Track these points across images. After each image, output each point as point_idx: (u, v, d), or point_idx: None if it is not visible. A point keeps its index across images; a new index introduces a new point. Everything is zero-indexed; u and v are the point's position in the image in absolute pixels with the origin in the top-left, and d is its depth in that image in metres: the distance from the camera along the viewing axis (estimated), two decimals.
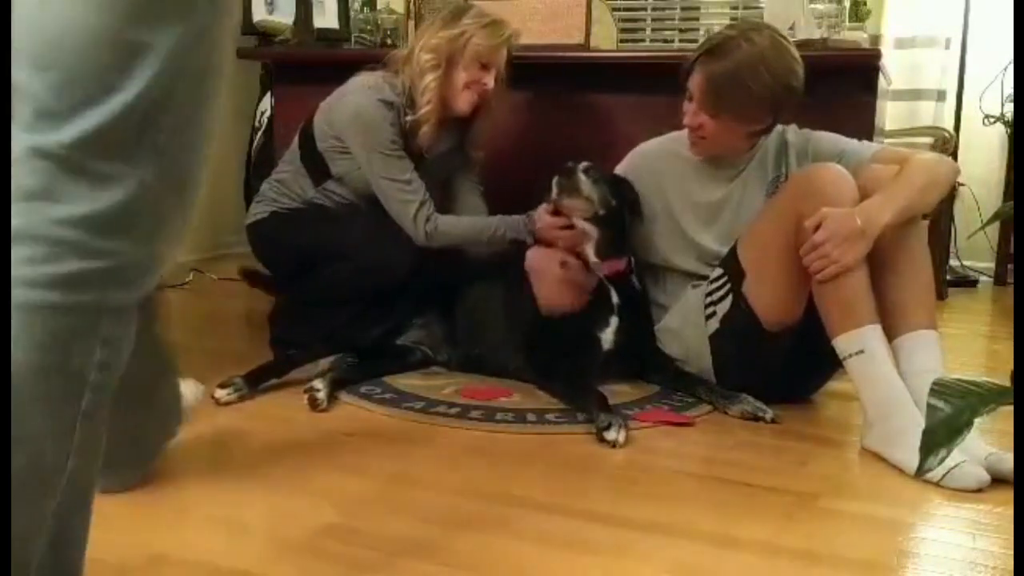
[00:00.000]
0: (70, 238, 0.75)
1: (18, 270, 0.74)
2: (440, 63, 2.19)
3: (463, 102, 2.25)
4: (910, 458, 1.52)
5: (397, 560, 1.23)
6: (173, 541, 1.27)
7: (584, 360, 2.07)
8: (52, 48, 0.76)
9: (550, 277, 2.11)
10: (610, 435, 1.70)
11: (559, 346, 2.08)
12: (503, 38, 2.23)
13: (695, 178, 2.13)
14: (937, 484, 1.52)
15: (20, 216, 0.74)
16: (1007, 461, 1.53)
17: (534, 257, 2.16)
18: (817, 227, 1.73)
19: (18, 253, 0.74)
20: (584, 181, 2.06)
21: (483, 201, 2.44)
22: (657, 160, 2.19)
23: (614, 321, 2.11)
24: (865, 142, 2.04)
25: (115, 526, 1.31)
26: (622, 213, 2.12)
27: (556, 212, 2.12)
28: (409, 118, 2.22)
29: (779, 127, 2.09)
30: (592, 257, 2.11)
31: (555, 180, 2.07)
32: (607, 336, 2.11)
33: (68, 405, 0.77)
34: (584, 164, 2.10)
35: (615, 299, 2.12)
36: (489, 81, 2.24)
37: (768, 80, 1.91)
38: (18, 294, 0.74)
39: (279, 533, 1.30)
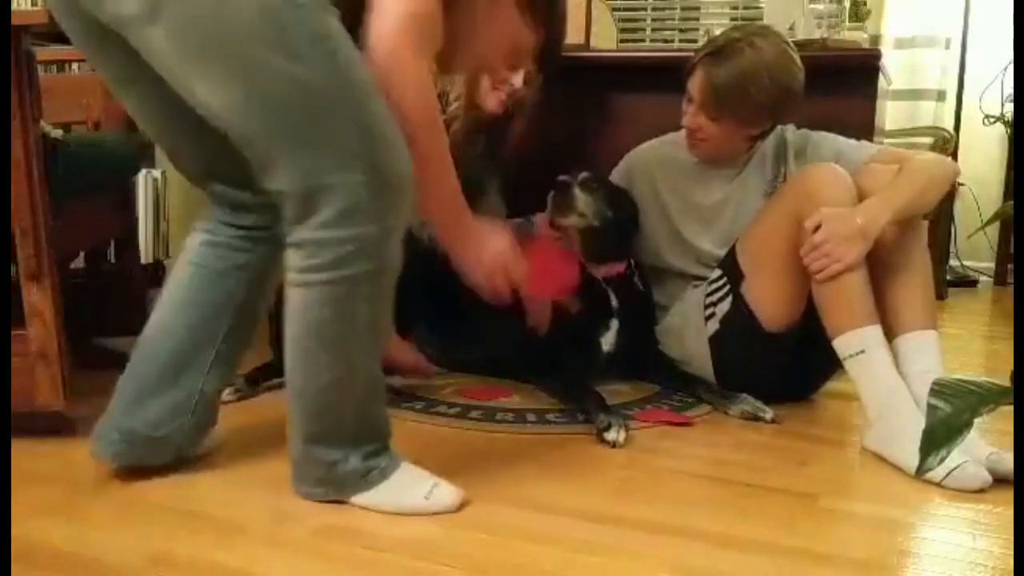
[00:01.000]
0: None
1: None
2: None
3: (492, 102, 2.23)
4: (910, 458, 1.52)
5: (397, 560, 1.23)
6: (173, 541, 1.27)
7: (584, 363, 2.07)
8: None
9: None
10: (610, 435, 1.70)
11: (559, 349, 2.08)
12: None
13: (694, 179, 2.13)
14: (939, 484, 1.52)
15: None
16: (1008, 461, 1.53)
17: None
18: (817, 227, 1.73)
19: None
20: (580, 197, 2.03)
21: (503, 203, 2.44)
22: (654, 162, 2.19)
23: (614, 324, 2.11)
24: (864, 143, 2.04)
25: (115, 526, 1.31)
26: (619, 223, 2.11)
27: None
28: (444, 117, 2.23)
29: (778, 127, 2.09)
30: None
31: (551, 197, 2.03)
32: (608, 339, 2.11)
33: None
34: (582, 176, 2.08)
35: (614, 302, 2.12)
36: (517, 81, 2.22)
37: (770, 86, 1.91)
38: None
39: (279, 533, 1.30)
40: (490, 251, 1.52)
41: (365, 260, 1.27)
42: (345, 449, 1.38)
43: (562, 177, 2.07)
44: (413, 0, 1.29)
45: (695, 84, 1.98)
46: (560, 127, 2.51)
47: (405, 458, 1.43)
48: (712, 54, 1.95)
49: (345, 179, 1.23)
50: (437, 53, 1.40)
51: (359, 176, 1.23)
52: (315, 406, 1.37)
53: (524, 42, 1.56)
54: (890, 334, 1.72)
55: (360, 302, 1.30)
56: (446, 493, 1.38)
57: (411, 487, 1.38)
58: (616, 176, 2.24)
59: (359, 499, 1.38)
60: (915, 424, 1.58)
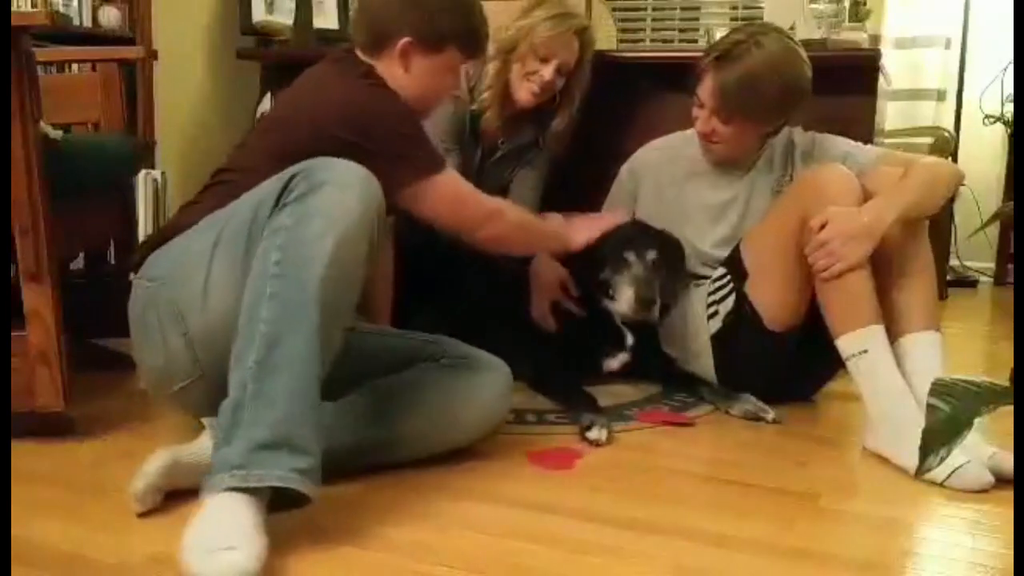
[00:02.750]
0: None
1: None
2: (496, 54, 2.21)
3: (522, 93, 2.26)
4: (913, 459, 1.52)
5: (396, 560, 1.23)
6: (173, 541, 1.26)
7: (584, 376, 2.07)
8: None
9: (545, 291, 2.13)
10: (592, 434, 1.70)
11: (560, 363, 2.07)
12: (561, 31, 2.20)
13: (703, 178, 2.13)
14: (941, 485, 1.52)
15: None
16: (1009, 461, 1.53)
17: (540, 263, 2.17)
18: (823, 226, 1.73)
19: None
20: (656, 306, 1.97)
21: (537, 197, 2.44)
22: (661, 161, 2.19)
23: (623, 357, 2.11)
24: (870, 146, 2.04)
25: (115, 526, 1.31)
26: (672, 279, 2.07)
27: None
28: (473, 106, 2.25)
29: (785, 128, 2.09)
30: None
31: (633, 297, 1.96)
32: (613, 364, 2.11)
33: None
34: (650, 256, 2.00)
35: (629, 340, 2.10)
36: (546, 73, 2.22)
37: (779, 84, 1.92)
38: None
39: (278, 533, 1.30)
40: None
41: (284, 216, 1.31)
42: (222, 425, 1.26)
43: (627, 254, 2.00)
44: (463, 191, 1.67)
45: (705, 90, 1.97)
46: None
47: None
48: (720, 58, 1.94)
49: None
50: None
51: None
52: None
53: (453, 61, 1.72)
54: (893, 335, 1.72)
55: (274, 249, 1.29)
56: (234, 562, 1.12)
57: (218, 530, 1.17)
58: (623, 176, 2.24)
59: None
60: (918, 426, 1.57)
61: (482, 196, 1.71)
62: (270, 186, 1.36)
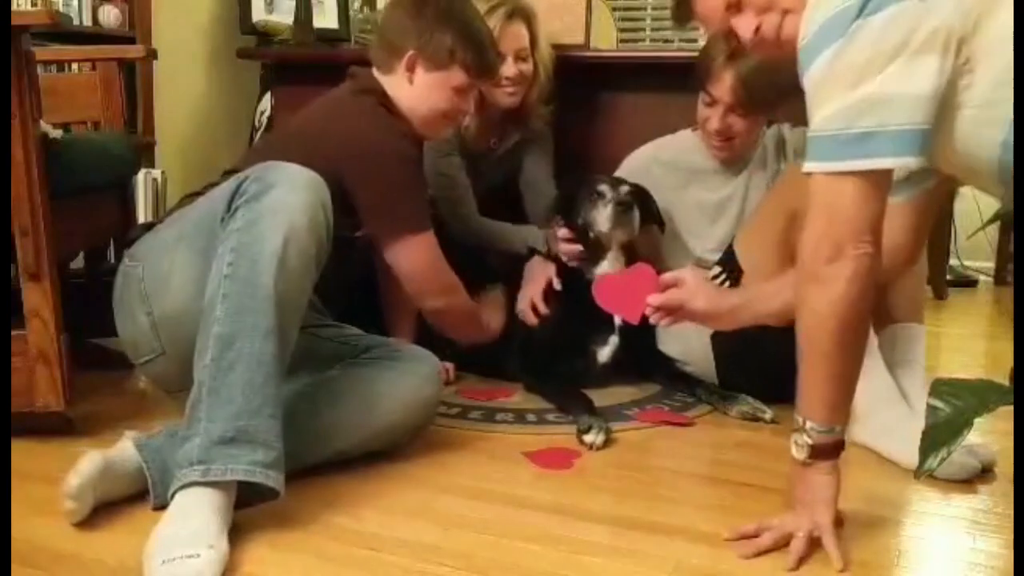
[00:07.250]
0: None
1: None
2: None
3: (502, 99, 2.27)
4: (900, 449, 1.57)
5: (397, 560, 1.23)
6: None
7: (578, 371, 2.07)
8: None
9: (532, 285, 2.13)
10: (588, 437, 1.70)
11: (553, 355, 2.07)
12: (497, 27, 2.17)
13: (699, 178, 2.13)
14: (930, 476, 1.52)
15: None
16: (986, 453, 1.57)
17: (535, 261, 2.19)
18: None
19: None
20: (635, 217, 2.03)
21: (551, 180, 2.44)
22: (655, 164, 2.18)
23: (614, 340, 2.10)
24: None
25: (115, 526, 1.31)
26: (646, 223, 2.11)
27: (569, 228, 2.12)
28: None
29: (775, 126, 2.10)
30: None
31: (612, 211, 2.00)
32: (604, 352, 2.10)
33: None
34: (625, 189, 2.04)
35: (618, 320, 2.10)
36: (508, 71, 2.22)
37: (790, 66, 1.93)
38: None
39: (279, 533, 1.30)
40: (496, 324, 2.07)
41: (237, 219, 1.36)
42: (189, 425, 1.28)
43: (601, 187, 2.04)
44: (432, 260, 1.77)
45: (722, 87, 1.96)
46: (559, 127, 2.50)
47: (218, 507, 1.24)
48: (732, 55, 1.93)
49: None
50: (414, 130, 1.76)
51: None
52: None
53: (457, 80, 1.78)
54: (879, 323, 1.74)
55: (227, 252, 1.33)
56: (195, 571, 1.13)
57: (189, 535, 1.17)
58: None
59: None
60: (905, 418, 1.60)
61: (448, 269, 1.80)
62: (226, 187, 1.42)
